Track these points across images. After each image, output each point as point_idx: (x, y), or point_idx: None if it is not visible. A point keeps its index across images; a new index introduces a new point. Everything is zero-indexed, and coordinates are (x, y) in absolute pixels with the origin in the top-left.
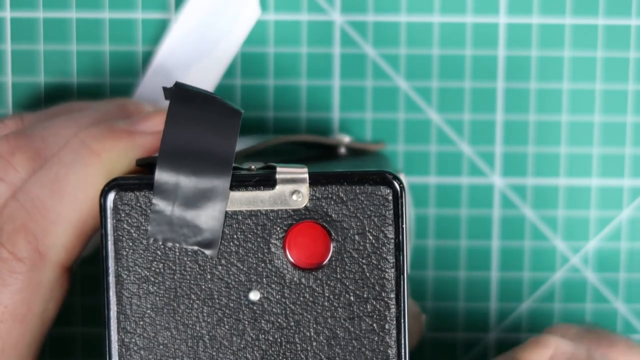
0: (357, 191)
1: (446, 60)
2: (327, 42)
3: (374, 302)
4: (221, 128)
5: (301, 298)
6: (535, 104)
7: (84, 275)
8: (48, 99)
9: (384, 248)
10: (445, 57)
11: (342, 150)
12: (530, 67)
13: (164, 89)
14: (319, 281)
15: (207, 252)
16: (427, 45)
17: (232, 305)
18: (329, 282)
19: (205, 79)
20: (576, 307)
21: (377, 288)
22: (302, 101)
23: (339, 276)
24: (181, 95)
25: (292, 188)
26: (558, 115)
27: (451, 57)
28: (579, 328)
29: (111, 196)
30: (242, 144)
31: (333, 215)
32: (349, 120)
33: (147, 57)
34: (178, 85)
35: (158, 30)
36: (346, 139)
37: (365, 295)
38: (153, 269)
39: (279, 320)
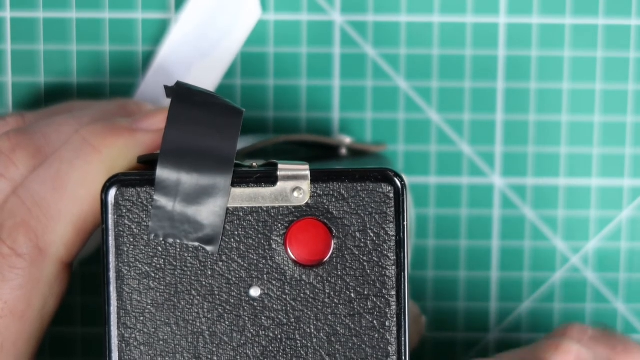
0: (359, 188)
1: (446, 60)
2: (327, 42)
3: (375, 299)
4: (223, 126)
5: (302, 295)
6: (535, 104)
7: (84, 275)
8: (48, 99)
9: (384, 245)
10: (445, 57)
11: (343, 151)
12: (530, 67)
13: (166, 87)
14: (319, 278)
15: (208, 248)
16: (427, 45)
17: (232, 301)
18: (329, 279)
19: (206, 79)
20: (576, 307)
21: (377, 285)
22: (302, 101)
23: (339, 273)
24: (182, 94)
25: (294, 185)
26: (558, 115)
27: (451, 57)
28: (594, 331)
29: (112, 192)
30: (243, 142)
31: (334, 212)
32: (349, 120)
33: (148, 57)
34: (179, 84)
35: (158, 30)
36: (347, 140)
37: (365, 292)
38: (154, 264)
39: (280, 316)
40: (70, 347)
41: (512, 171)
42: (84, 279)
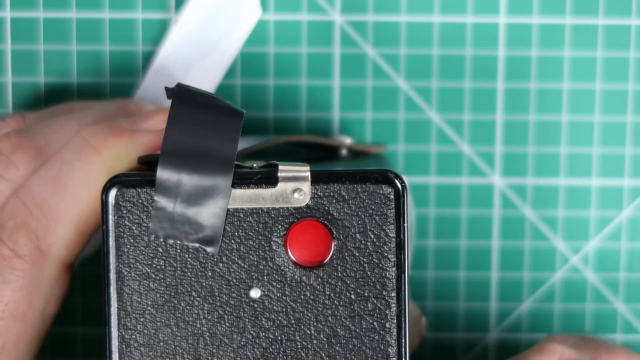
0: (359, 189)
1: (446, 60)
2: (327, 42)
3: (375, 301)
4: (223, 128)
5: (302, 296)
6: (535, 104)
7: (84, 275)
8: (48, 99)
9: (385, 247)
10: (445, 57)
11: (344, 152)
12: (530, 67)
13: (166, 89)
14: (319, 279)
15: (208, 249)
16: (427, 45)
17: (232, 302)
18: (329, 280)
19: (206, 79)
20: (576, 307)
21: (378, 287)
22: (302, 101)
23: (340, 274)
24: (183, 96)
25: (294, 186)
26: (558, 115)
27: (451, 57)
28: (576, 337)
29: (113, 193)
30: (243, 143)
31: (334, 214)
32: (349, 120)
33: (147, 57)
34: (180, 86)
35: (158, 30)
36: (347, 140)
37: (366, 294)
38: (154, 265)
39: (280, 318)
40: (70, 347)
41: (512, 171)
42: (84, 279)
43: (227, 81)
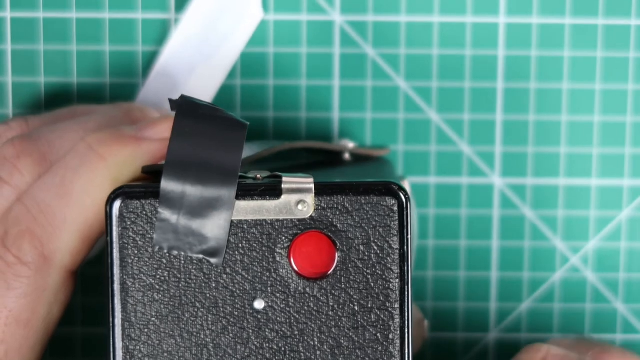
0: (363, 201)
1: (446, 60)
2: (327, 42)
3: (378, 312)
4: (227, 140)
5: (305, 307)
6: (535, 104)
7: (84, 276)
8: (48, 99)
9: (388, 258)
10: (445, 57)
11: (347, 156)
12: (530, 67)
13: (170, 100)
14: (323, 291)
15: (213, 260)
16: (427, 45)
17: (236, 313)
18: (333, 291)
19: (208, 81)
20: (576, 307)
21: (381, 298)
22: (302, 101)
23: (343, 286)
24: (186, 107)
25: (298, 198)
26: (558, 115)
27: (451, 57)
28: (573, 339)
29: (117, 204)
30: (247, 150)
31: (338, 225)
32: (349, 120)
33: (148, 57)
34: (184, 98)
35: (158, 31)
36: (350, 144)
37: (369, 305)
38: (158, 277)
39: (283, 329)
40: (70, 347)
41: (512, 171)
42: (84, 279)
43: (227, 81)
